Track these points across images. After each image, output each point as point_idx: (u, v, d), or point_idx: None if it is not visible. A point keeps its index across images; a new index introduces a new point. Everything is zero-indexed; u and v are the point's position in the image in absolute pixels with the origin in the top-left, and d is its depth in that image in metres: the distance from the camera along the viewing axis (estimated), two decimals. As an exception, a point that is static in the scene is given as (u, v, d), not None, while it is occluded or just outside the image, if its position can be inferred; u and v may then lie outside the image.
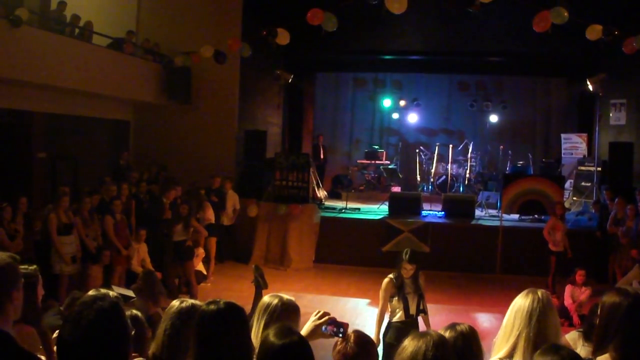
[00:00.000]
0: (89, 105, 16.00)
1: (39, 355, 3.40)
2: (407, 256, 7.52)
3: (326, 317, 3.84)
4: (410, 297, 7.50)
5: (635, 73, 16.59)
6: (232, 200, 15.75)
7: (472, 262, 15.38)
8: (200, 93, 17.68)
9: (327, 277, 14.92)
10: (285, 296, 4.15)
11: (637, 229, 12.92)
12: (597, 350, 3.44)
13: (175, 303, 3.90)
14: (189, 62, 16.64)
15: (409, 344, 2.94)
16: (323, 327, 3.79)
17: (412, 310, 7.49)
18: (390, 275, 7.62)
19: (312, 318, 3.83)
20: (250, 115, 18.86)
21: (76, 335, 2.53)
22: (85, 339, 2.52)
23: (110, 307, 2.63)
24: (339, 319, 3.87)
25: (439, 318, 9.30)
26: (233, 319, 3.29)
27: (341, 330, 3.77)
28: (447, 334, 3.55)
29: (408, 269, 7.49)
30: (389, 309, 7.63)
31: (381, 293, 7.63)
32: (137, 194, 14.05)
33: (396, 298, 7.52)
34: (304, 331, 3.77)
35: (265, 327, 3.95)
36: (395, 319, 7.50)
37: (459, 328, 3.62)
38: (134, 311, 4.08)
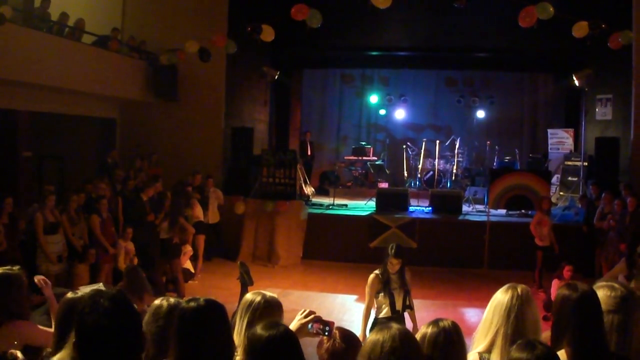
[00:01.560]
0: (75, 103, 15.91)
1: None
2: (393, 251, 7.52)
3: (312, 316, 3.83)
4: (397, 293, 7.52)
5: (621, 68, 16.65)
6: (215, 197, 15.68)
7: (459, 257, 15.42)
8: (186, 90, 17.61)
9: (314, 274, 14.93)
10: (268, 293, 4.14)
11: (624, 223, 12.97)
12: (554, 347, 3.44)
13: (158, 302, 3.89)
14: (175, 59, 16.59)
15: (369, 338, 2.94)
16: (309, 326, 3.78)
17: (399, 306, 7.52)
18: (376, 271, 7.63)
19: (298, 317, 3.82)
20: (236, 112, 18.82)
21: (95, 320, 2.61)
22: (104, 323, 2.60)
23: (118, 295, 2.74)
24: (326, 317, 3.87)
25: (427, 313, 9.33)
26: (213, 316, 3.28)
27: (327, 328, 3.77)
28: (429, 330, 3.54)
29: (394, 264, 7.49)
30: (375, 305, 7.64)
31: (367, 289, 7.63)
32: (124, 192, 13.99)
33: (382, 294, 7.52)
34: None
35: (249, 324, 3.95)
36: (381, 315, 7.51)
37: (441, 324, 3.60)
38: None
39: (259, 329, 3.04)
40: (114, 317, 2.62)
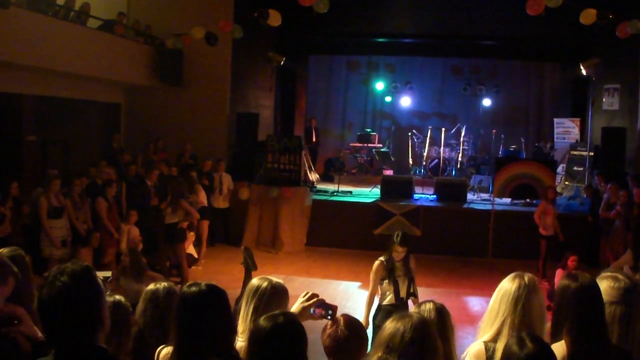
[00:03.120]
0: (80, 87, 15.87)
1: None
2: (399, 239, 7.52)
3: (314, 299, 3.82)
4: (401, 280, 7.50)
5: (629, 58, 16.57)
6: (226, 181, 15.72)
7: (463, 245, 15.39)
8: (191, 75, 17.55)
9: (318, 260, 14.93)
10: (274, 279, 4.13)
11: (632, 214, 12.94)
12: (554, 337, 3.42)
13: (152, 287, 3.88)
14: (180, 44, 16.55)
15: (388, 326, 2.92)
16: (311, 310, 3.77)
17: (403, 293, 7.49)
18: (381, 258, 7.64)
19: (300, 299, 3.82)
20: (242, 97, 18.78)
21: (51, 296, 2.66)
22: (60, 299, 2.64)
23: (81, 270, 2.74)
24: (328, 302, 3.85)
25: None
26: (214, 301, 3.29)
27: (329, 312, 3.75)
28: (412, 311, 3.57)
29: (399, 252, 7.48)
30: (379, 292, 7.65)
31: (372, 275, 7.67)
32: (127, 176, 14.00)
33: (387, 281, 7.52)
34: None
35: (255, 310, 3.94)
36: (385, 302, 7.52)
37: (422, 306, 3.62)
38: (117, 297, 4.05)
39: (262, 320, 3.05)
40: (68, 293, 2.65)
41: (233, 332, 3.49)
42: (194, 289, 3.30)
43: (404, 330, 2.82)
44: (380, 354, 2.84)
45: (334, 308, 3.81)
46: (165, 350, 3.45)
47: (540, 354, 2.86)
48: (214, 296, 3.31)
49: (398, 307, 7.23)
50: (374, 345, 2.91)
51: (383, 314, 7.32)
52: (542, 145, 20.53)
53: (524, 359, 2.83)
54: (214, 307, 3.28)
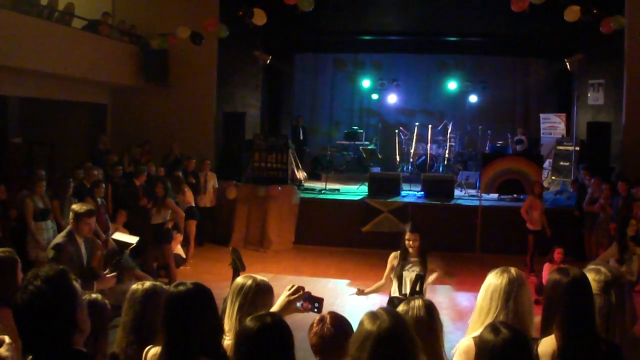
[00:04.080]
0: (65, 88, 15.81)
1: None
2: (409, 226, 7.49)
3: (300, 293, 3.83)
4: (408, 276, 7.27)
5: (613, 53, 16.65)
6: (211, 180, 15.72)
7: (451, 241, 15.39)
8: (177, 75, 17.51)
9: (306, 258, 14.92)
10: (259, 277, 4.14)
11: (616, 207, 13.03)
12: (544, 331, 3.45)
13: (139, 287, 3.88)
14: (166, 43, 16.52)
15: (360, 327, 2.90)
16: (298, 303, 3.78)
17: (406, 289, 7.23)
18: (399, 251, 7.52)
19: (285, 293, 3.82)
20: (228, 97, 18.75)
21: (25, 300, 2.68)
22: (33, 303, 2.67)
23: (55, 274, 2.76)
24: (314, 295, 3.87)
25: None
26: (201, 299, 3.32)
27: (316, 305, 3.77)
28: (400, 308, 3.58)
29: (410, 240, 7.31)
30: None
31: (388, 264, 7.60)
32: (113, 177, 13.96)
33: (393, 273, 7.41)
34: (276, 306, 3.77)
35: (240, 308, 3.95)
36: (393, 294, 7.42)
37: (411, 303, 3.63)
38: (94, 295, 4.05)
39: (248, 321, 3.04)
40: (42, 298, 2.67)
41: (221, 330, 3.50)
42: (180, 288, 3.32)
43: (377, 338, 2.81)
44: (353, 355, 2.84)
45: (320, 300, 3.82)
46: (153, 351, 3.45)
47: (514, 338, 2.90)
48: (201, 295, 3.34)
49: (392, 302, 7.00)
50: (350, 353, 2.91)
51: (391, 304, 6.98)
52: (514, 137, 20.62)
53: (500, 344, 2.87)
54: (201, 305, 3.30)
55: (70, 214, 6.88)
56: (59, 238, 6.86)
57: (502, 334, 2.91)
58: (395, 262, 7.43)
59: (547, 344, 3.37)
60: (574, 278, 3.39)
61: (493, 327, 2.99)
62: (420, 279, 7.26)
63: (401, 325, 2.92)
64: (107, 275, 6.63)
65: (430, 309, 3.72)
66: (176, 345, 3.26)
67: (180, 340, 3.23)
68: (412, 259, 7.32)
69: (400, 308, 3.65)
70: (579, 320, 3.32)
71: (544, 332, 3.44)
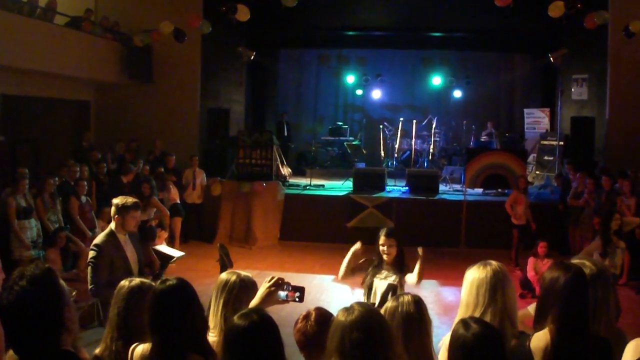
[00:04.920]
0: (48, 85, 15.71)
1: None
2: (384, 230, 6.48)
3: (277, 282, 3.83)
4: (379, 285, 6.31)
5: (597, 48, 16.75)
6: (199, 177, 15.72)
7: (436, 236, 15.42)
8: (161, 71, 17.47)
9: (292, 255, 14.91)
10: (243, 272, 4.13)
11: (599, 201, 13.10)
12: (537, 325, 3.46)
13: (125, 283, 3.86)
14: (149, 40, 16.45)
15: (334, 326, 2.99)
16: (282, 293, 3.78)
17: (375, 300, 6.25)
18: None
19: (265, 284, 3.81)
20: (212, 93, 18.71)
21: (10, 300, 2.67)
22: (19, 304, 2.66)
23: (41, 274, 2.76)
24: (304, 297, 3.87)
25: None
26: (186, 295, 3.34)
27: (297, 295, 3.77)
28: (389, 304, 3.59)
29: (387, 246, 6.35)
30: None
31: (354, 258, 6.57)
32: (97, 174, 13.89)
33: (363, 281, 6.48)
34: (257, 297, 3.76)
35: (225, 304, 3.94)
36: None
37: (400, 299, 3.64)
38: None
39: (236, 319, 3.04)
40: (27, 298, 2.66)
41: (206, 326, 3.51)
42: (165, 284, 3.33)
43: (349, 331, 2.84)
44: (327, 346, 2.86)
45: (302, 290, 3.83)
46: (140, 348, 3.43)
47: (485, 332, 2.96)
48: (186, 290, 3.36)
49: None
50: (328, 348, 2.92)
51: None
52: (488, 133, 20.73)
53: (471, 339, 2.93)
54: (187, 301, 3.32)
55: (112, 209, 6.73)
56: (99, 238, 6.69)
57: (473, 329, 2.96)
58: (365, 264, 6.52)
59: (539, 338, 3.38)
60: (575, 274, 3.40)
61: (464, 322, 3.04)
62: (392, 289, 6.23)
63: (372, 316, 2.97)
64: None
65: (419, 305, 3.73)
66: (166, 342, 3.27)
67: (170, 337, 3.25)
68: (386, 267, 6.40)
69: (390, 304, 3.65)
70: (577, 315, 3.34)
71: (537, 326, 3.45)
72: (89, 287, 6.52)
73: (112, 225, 6.72)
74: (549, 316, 3.38)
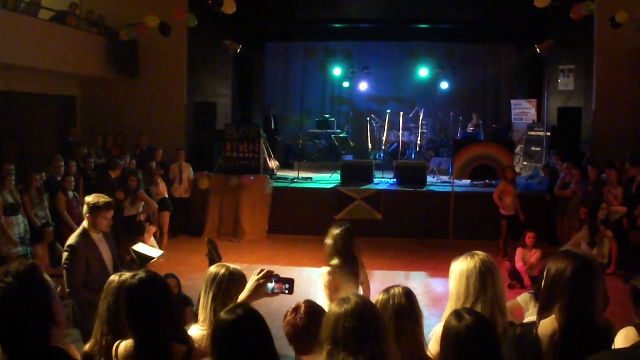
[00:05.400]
0: (33, 81, 15.63)
1: None
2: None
3: (266, 275, 3.82)
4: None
5: (584, 39, 16.78)
6: (186, 171, 15.68)
7: (425, 228, 15.47)
8: (148, 65, 17.41)
9: (281, 248, 14.89)
10: (232, 266, 4.13)
11: (586, 191, 13.16)
12: (543, 313, 3.46)
13: (115, 278, 3.85)
14: (135, 34, 16.39)
15: (328, 316, 2.97)
16: (270, 286, 3.78)
17: None
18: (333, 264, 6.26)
19: (254, 277, 3.80)
20: (199, 87, 18.65)
21: None
22: (5, 300, 2.65)
23: (26, 270, 2.74)
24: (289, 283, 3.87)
25: (393, 284, 9.32)
26: (157, 287, 3.38)
27: (286, 287, 3.78)
28: (380, 297, 3.60)
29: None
30: None
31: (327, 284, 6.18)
32: (85, 170, 13.83)
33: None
34: (246, 291, 3.76)
35: (214, 298, 3.94)
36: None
37: (392, 291, 3.64)
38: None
39: (223, 314, 3.06)
40: (13, 294, 2.65)
41: (176, 314, 3.55)
42: (135, 279, 3.39)
43: (344, 319, 2.84)
44: (329, 348, 2.85)
45: (291, 282, 3.83)
46: (123, 345, 3.43)
47: (478, 323, 2.99)
48: (156, 282, 3.40)
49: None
50: (322, 337, 2.92)
51: None
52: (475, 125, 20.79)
53: (464, 330, 2.95)
54: (159, 292, 3.36)
55: (85, 207, 6.59)
56: (72, 238, 6.53)
57: (466, 320, 2.99)
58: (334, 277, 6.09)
59: (546, 326, 3.39)
60: (584, 263, 3.41)
61: (457, 314, 3.06)
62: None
63: (368, 306, 2.98)
64: None
65: (410, 297, 3.72)
66: (147, 336, 3.30)
67: (150, 330, 3.28)
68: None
69: (381, 297, 3.64)
70: (584, 304, 3.37)
71: (543, 314, 3.46)
72: (66, 289, 6.41)
73: (85, 224, 6.60)
74: (556, 305, 3.39)
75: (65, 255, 6.43)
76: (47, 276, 2.86)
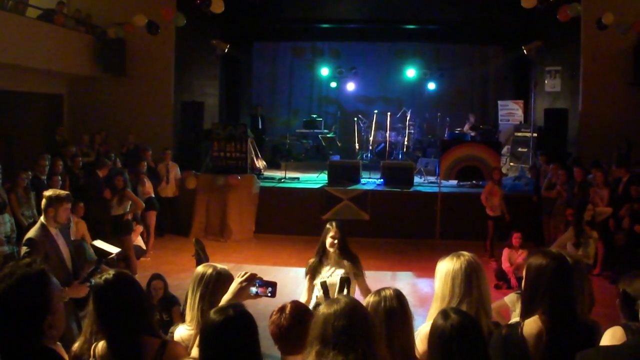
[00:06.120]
0: (20, 79, 15.53)
1: None
2: (336, 222, 6.26)
3: (249, 277, 3.82)
4: (331, 283, 6.14)
5: (570, 40, 16.85)
6: (173, 170, 15.65)
7: (411, 228, 15.50)
8: (135, 64, 17.35)
9: (267, 248, 14.89)
10: (219, 265, 4.13)
11: (571, 192, 13.22)
12: (526, 313, 3.48)
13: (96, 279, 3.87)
14: (122, 32, 16.34)
15: (318, 316, 2.98)
16: (253, 289, 3.78)
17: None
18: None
19: (238, 280, 3.80)
20: (186, 86, 18.63)
21: None
22: (2, 300, 2.63)
23: (32, 275, 2.72)
24: (279, 290, 3.87)
25: (380, 285, 9.33)
26: (121, 286, 3.41)
27: (270, 289, 3.78)
28: (371, 299, 3.59)
29: (337, 239, 6.14)
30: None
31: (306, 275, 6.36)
32: (72, 169, 13.78)
33: (317, 284, 6.22)
34: (229, 293, 3.76)
35: (202, 298, 3.96)
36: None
37: (382, 293, 3.64)
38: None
39: (212, 314, 3.05)
40: (13, 295, 2.64)
41: (148, 310, 3.61)
42: (101, 279, 3.44)
43: (334, 319, 2.86)
44: (317, 348, 2.85)
45: (274, 285, 3.84)
46: (100, 345, 3.47)
47: (464, 323, 3.00)
48: (123, 280, 3.44)
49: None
50: (310, 337, 2.92)
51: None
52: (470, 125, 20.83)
53: (449, 329, 2.96)
54: (126, 290, 3.41)
55: (44, 201, 6.56)
56: (32, 232, 6.51)
57: (451, 319, 3.00)
58: (313, 270, 6.23)
59: (531, 326, 3.41)
60: (560, 261, 3.44)
61: (443, 313, 3.08)
62: (346, 282, 6.09)
63: (357, 307, 3.00)
64: (81, 285, 6.17)
65: (400, 299, 3.73)
66: (116, 333, 3.34)
67: (119, 329, 3.32)
68: (327, 262, 6.19)
69: (372, 299, 3.64)
70: (566, 301, 3.40)
71: (527, 314, 3.48)
72: None
73: (42, 218, 6.56)
74: (539, 304, 3.41)
75: (24, 249, 6.41)
76: (55, 282, 2.85)
